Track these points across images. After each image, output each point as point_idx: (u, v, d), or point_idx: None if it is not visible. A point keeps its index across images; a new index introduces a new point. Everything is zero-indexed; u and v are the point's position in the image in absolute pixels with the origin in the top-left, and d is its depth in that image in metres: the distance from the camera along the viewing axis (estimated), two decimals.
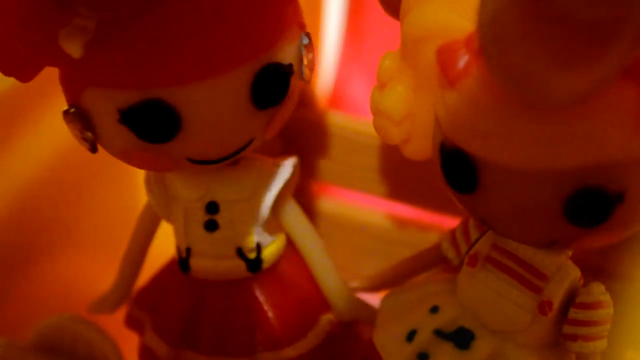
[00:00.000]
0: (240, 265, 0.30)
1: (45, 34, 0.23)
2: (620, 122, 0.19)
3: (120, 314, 0.34)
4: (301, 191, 0.35)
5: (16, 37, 0.23)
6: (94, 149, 0.26)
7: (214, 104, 0.25)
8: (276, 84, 0.26)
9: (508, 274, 0.25)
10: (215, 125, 0.25)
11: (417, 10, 0.24)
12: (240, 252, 0.29)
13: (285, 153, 0.32)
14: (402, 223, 0.36)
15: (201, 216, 0.29)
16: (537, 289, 0.24)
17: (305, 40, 0.27)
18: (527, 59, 0.18)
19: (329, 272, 0.31)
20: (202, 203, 0.29)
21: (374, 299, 0.31)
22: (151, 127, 0.25)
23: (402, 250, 0.34)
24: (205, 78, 0.24)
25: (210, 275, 0.30)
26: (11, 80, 0.24)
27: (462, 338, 0.25)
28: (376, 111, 0.25)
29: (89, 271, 0.39)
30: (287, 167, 0.30)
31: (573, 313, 0.24)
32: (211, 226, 0.29)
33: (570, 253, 0.25)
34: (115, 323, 0.33)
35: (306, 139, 0.37)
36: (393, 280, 0.30)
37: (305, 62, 0.27)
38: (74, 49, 0.23)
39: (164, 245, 0.32)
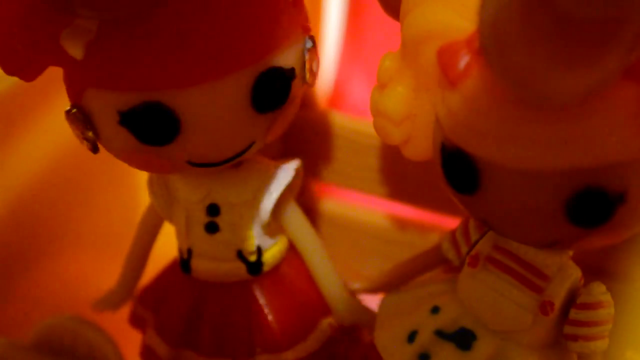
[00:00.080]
0: (241, 267, 0.30)
1: (47, 34, 0.23)
2: (621, 122, 0.19)
3: (120, 313, 0.34)
4: (301, 191, 0.35)
5: (18, 37, 0.23)
6: (95, 149, 0.26)
7: (213, 108, 0.24)
8: (277, 88, 0.25)
9: (509, 274, 0.25)
10: (215, 128, 0.25)
11: (417, 11, 0.23)
12: (240, 255, 0.29)
13: (285, 153, 0.32)
14: (402, 223, 0.36)
15: (202, 218, 0.29)
16: (538, 289, 0.24)
17: (309, 44, 0.26)
18: (527, 60, 0.17)
19: (330, 276, 0.31)
20: (203, 205, 0.29)
21: (374, 300, 0.31)
22: (150, 129, 0.25)
23: (402, 250, 0.34)
24: (204, 81, 0.24)
25: (211, 277, 0.30)
26: (11, 80, 0.24)
27: (463, 338, 0.25)
28: (376, 111, 0.25)
29: (89, 271, 0.39)
30: (289, 171, 0.30)
31: (574, 313, 0.24)
32: (212, 228, 0.29)
33: (571, 253, 0.25)
34: (115, 323, 0.33)
35: (306, 139, 0.37)
36: (394, 281, 0.30)
37: (308, 66, 0.26)
38: (75, 50, 0.23)
39: (170, 244, 0.32)
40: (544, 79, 0.18)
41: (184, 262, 0.30)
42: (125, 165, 0.27)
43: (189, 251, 0.30)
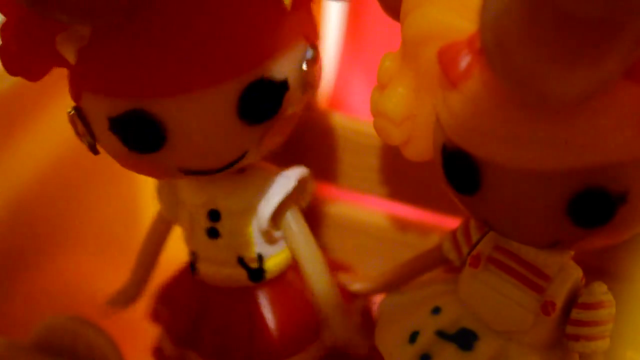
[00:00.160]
0: (242, 273, 0.29)
1: (43, 37, 0.23)
2: (623, 122, 0.19)
3: (121, 314, 0.34)
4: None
5: (17, 39, 0.23)
6: (95, 151, 0.26)
7: (198, 117, 0.24)
8: (266, 100, 0.25)
9: (510, 275, 0.25)
10: (202, 138, 0.24)
11: (418, 12, 0.23)
12: (241, 261, 0.29)
13: (284, 153, 0.32)
14: (402, 223, 0.36)
15: (204, 223, 0.29)
16: (539, 289, 0.24)
17: (310, 54, 0.26)
18: (529, 60, 0.17)
19: (324, 292, 0.29)
20: (205, 210, 0.29)
21: (374, 301, 0.31)
22: (136, 137, 0.24)
23: (403, 250, 0.34)
24: (189, 91, 0.23)
25: (214, 281, 0.30)
26: (11, 80, 0.24)
27: (464, 339, 0.25)
28: (376, 112, 0.25)
29: (89, 271, 0.39)
30: (290, 178, 0.29)
31: (575, 313, 0.24)
32: (213, 233, 0.29)
33: (572, 253, 0.25)
34: (115, 323, 0.33)
35: (306, 139, 0.37)
36: (395, 281, 0.30)
37: (306, 78, 0.26)
38: (68, 54, 0.23)
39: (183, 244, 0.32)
40: (545, 79, 0.18)
41: (192, 264, 0.30)
42: None
43: (194, 254, 0.30)
